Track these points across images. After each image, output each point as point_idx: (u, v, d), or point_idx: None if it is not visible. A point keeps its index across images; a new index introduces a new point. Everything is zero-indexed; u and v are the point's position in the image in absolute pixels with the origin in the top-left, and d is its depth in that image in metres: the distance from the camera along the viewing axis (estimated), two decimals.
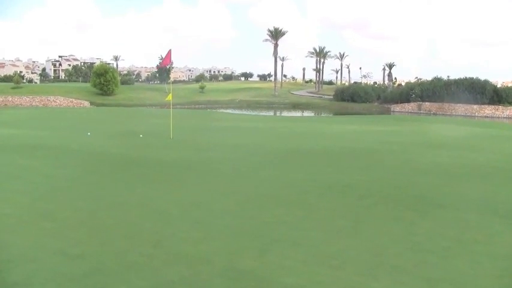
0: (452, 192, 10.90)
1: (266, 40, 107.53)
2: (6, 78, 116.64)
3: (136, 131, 23.31)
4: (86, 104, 72.49)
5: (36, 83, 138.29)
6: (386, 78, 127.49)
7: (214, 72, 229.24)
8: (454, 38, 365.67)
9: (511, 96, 76.17)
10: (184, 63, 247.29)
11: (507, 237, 7.80)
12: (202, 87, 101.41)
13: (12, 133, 22.32)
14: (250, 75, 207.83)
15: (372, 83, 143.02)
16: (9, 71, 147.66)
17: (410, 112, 76.89)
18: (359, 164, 14.72)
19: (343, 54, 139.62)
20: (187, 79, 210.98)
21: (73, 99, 74.20)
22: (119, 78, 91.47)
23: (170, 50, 21.88)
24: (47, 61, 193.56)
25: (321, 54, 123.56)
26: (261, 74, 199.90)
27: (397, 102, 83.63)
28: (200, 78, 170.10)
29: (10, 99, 72.22)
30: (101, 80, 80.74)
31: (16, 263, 6.14)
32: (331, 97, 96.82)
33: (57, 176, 12.18)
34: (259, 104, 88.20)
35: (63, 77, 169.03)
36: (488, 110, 72.74)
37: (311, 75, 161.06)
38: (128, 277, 5.80)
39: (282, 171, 13.12)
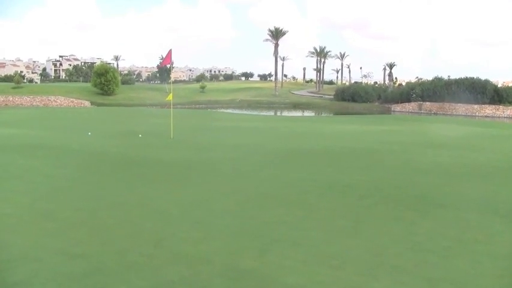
0: (452, 192, 10.90)
1: (266, 40, 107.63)
2: (7, 78, 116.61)
3: (136, 131, 23.32)
4: (87, 103, 72.49)
5: (36, 82, 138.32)
6: (386, 78, 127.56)
7: (214, 72, 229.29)
8: (454, 38, 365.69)
9: None
10: (184, 63, 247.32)
11: (508, 236, 7.80)
12: (202, 87, 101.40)
13: (12, 133, 22.33)
14: (251, 75, 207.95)
15: (372, 82, 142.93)
16: (9, 70, 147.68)
17: (411, 112, 76.86)
18: (359, 163, 14.71)
19: (344, 54, 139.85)
20: (187, 79, 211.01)
21: (73, 99, 74.19)
22: (119, 78, 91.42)
23: (171, 50, 21.88)
24: (47, 61, 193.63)
25: (321, 54, 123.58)
26: (261, 73, 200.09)
27: (397, 102, 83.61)
28: (201, 78, 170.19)
29: (11, 99, 72.22)
30: (101, 79, 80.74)
31: (16, 263, 6.15)
32: (332, 97, 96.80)
33: (57, 175, 12.19)
34: (259, 104, 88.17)
35: (63, 77, 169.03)
36: (488, 109, 72.72)
37: (311, 75, 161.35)
38: (128, 277, 5.80)
39: (282, 171, 13.12)
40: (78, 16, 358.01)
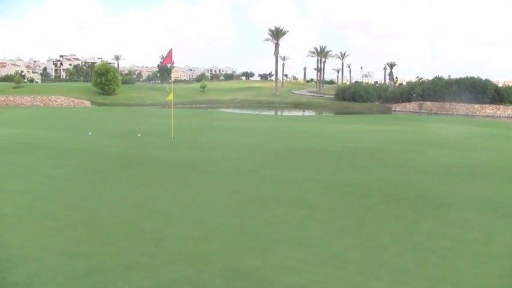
0: (453, 191, 10.89)
1: (267, 40, 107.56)
2: (8, 78, 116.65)
3: (137, 131, 23.30)
4: (87, 103, 72.49)
5: (37, 82, 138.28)
6: (387, 77, 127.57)
7: (215, 71, 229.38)
8: (454, 38, 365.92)
9: None
10: (185, 63, 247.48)
11: (508, 237, 7.79)
12: (203, 87, 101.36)
13: (13, 133, 22.32)
14: (251, 74, 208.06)
15: (373, 82, 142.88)
16: (10, 70, 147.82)
17: (412, 111, 76.82)
18: (360, 163, 14.71)
19: (344, 54, 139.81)
20: (188, 79, 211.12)
21: (74, 99, 74.20)
22: (120, 77, 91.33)
23: (171, 50, 21.87)
24: (48, 61, 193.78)
25: (322, 53, 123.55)
26: (262, 73, 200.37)
27: (398, 102, 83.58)
28: (201, 77, 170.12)
29: (11, 98, 72.23)
30: (102, 79, 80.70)
31: (17, 263, 6.14)
32: (332, 96, 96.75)
33: (58, 175, 12.19)
34: (260, 104, 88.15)
35: (64, 77, 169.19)
36: (489, 109, 72.69)
37: (312, 74, 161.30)
38: (129, 277, 5.80)
39: (283, 171, 13.12)
40: (78, 16, 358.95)
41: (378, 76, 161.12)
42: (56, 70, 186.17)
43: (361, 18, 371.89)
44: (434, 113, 73.41)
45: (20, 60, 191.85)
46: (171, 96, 22.92)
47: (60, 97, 74.63)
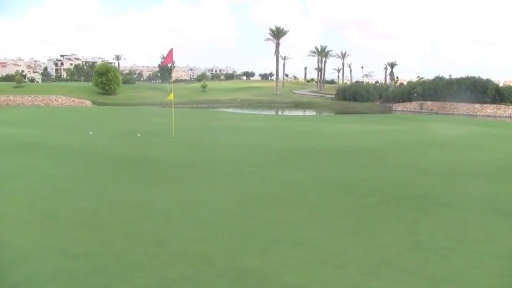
0: (454, 191, 10.89)
1: (268, 39, 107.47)
2: (8, 78, 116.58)
3: (138, 131, 23.32)
4: (88, 103, 72.46)
5: (38, 82, 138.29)
6: (388, 77, 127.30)
7: (216, 71, 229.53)
8: (455, 38, 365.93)
9: None
10: (186, 63, 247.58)
11: (509, 236, 7.79)
12: (203, 87, 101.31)
13: (13, 132, 22.34)
14: (252, 74, 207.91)
15: (373, 82, 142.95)
16: (11, 70, 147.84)
17: (412, 111, 76.73)
18: (361, 163, 14.70)
19: (345, 54, 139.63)
20: (189, 78, 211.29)
21: (75, 99, 74.15)
22: (120, 77, 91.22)
23: (172, 49, 21.88)
24: (48, 60, 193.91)
25: (322, 53, 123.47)
26: (262, 73, 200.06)
27: (398, 102, 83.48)
28: (202, 77, 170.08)
29: (12, 98, 72.19)
30: (102, 79, 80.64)
31: (18, 263, 6.15)
32: (333, 96, 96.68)
33: (58, 175, 12.19)
34: (260, 103, 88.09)
35: (65, 76, 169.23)
36: (490, 109, 72.60)
37: (313, 74, 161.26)
38: (129, 276, 5.80)
39: (283, 171, 13.11)
40: (78, 16, 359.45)
41: (378, 76, 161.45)
42: (56, 70, 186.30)
43: (361, 18, 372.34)
44: (435, 113, 73.33)
45: (20, 60, 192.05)
46: (171, 96, 22.94)
47: (60, 97, 74.58)
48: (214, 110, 67.93)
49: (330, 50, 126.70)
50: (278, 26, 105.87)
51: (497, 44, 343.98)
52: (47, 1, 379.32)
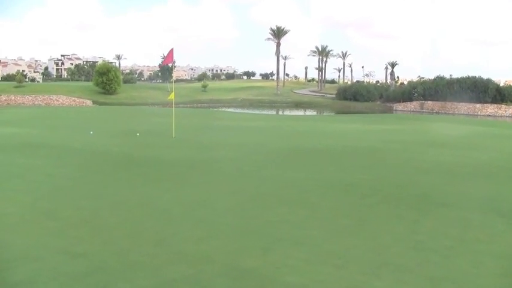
0: (454, 191, 10.88)
1: (268, 39, 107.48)
2: (9, 77, 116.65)
3: (138, 130, 23.32)
4: (89, 103, 72.49)
5: (38, 82, 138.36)
6: (388, 77, 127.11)
7: (216, 71, 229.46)
8: (455, 37, 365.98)
9: None
10: (186, 62, 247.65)
11: (510, 236, 7.78)
12: (204, 86, 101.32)
13: (14, 132, 22.35)
14: (253, 74, 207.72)
15: (374, 81, 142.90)
16: (11, 70, 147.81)
17: (413, 111, 76.70)
18: (361, 162, 14.70)
19: (346, 53, 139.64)
20: (189, 78, 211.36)
21: (75, 98, 74.19)
22: (121, 77, 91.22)
23: (172, 49, 21.88)
24: (49, 60, 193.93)
25: (323, 53, 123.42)
26: (263, 72, 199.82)
27: (399, 101, 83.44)
28: (202, 77, 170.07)
29: (13, 98, 72.24)
30: (103, 79, 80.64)
31: (18, 262, 6.15)
32: (334, 96, 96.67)
33: (59, 175, 12.20)
34: (261, 103, 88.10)
35: (65, 76, 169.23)
36: (490, 108, 72.55)
37: (313, 74, 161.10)
38: (130, 276, 5.80)
39: (284, 170, 13.11)
40: (78, 16, 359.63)
41: (379, 75, 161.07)
42: (57, 69, 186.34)
43: (362, 17, 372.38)
44: (436, 113, 73.29)
45: (21, 59, 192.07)
46: (172, 96, 22.93)
47: (61, 96, 74.63)
48: (215, 109, 67.95)
49: (331, 50, 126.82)
50: (279, 25, 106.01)
51: (497, 44, 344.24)
52: (47, 1, 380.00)
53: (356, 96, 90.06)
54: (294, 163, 14.54)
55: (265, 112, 65.01)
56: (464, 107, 73.23)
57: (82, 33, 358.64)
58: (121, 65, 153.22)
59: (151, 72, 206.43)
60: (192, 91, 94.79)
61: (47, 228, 7.61)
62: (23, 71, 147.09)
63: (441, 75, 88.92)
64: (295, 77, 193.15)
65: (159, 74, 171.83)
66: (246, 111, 67.06)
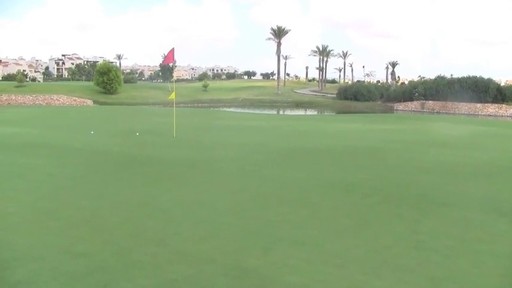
0: (455, 191, 10.87)
1: (269, 39, 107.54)
2: (10, 77, 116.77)
3: (139, 130, 23.32)
4: (89, 102, 72.55)
5: (39, 81, 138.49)
6: (389, 76, 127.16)
7: (217, 70, 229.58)
8: (455, 37, 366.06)
9: None
10: (187, 62, 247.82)
11: (510, 236, 7.78)
12: (205, 86, 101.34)
13: (15, 132, 22.36)
14: (253, 73, 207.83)
15: (375, 81, 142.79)
16: (12, 69, 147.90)
17: (414, 111, 76.68)
18: (362, 162, 14.69)
19: (346, 53, 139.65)
20: (190, 78, 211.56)
21: (76, 98, 74.26)
22: (122, 76, 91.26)
23: (173, 49, 21.87)
24: (50, 60, 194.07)
25: (324, 52, 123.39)
26: (264, 72, 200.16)
27: (400, 101, 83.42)
28: (203, 76, 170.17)
29: (13, 97, 72.31)
30: (104, 78, 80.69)
31: (19, 262, 6.15)
32: (334, 96, 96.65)
33: (60, 174, 12.20)
34: (262, 103, 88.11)
35: (66, 76, 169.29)
36: (491, 108, 72.50)
37: (314, 73, 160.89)
38: (131, 275, 5.80)
39: (285, 170, 13.11)
40: (78, 16, 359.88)
41: (380, 75, 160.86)
42: (58, 69, 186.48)
43: (362, 17, 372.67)
44: (437, 112, 73.26)
45: (22, 59, 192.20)
46: (173, 95, 22.95)
47: (62, 96, 74.69)
48: (216, 109, 67.99)
49: (331, 50, 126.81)
50: (279, 25, 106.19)
51: (497, 44, 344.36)
52: (47, 1, 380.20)
53: (357, 96, 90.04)
54: (294, 163, 14.54)
55: (266, 112, 65.02)
56: (465, 107, 73.19)
57: (82, 33, 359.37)
58: (122, 65, 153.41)
59: (152, 72, 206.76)
60: (192, 91, 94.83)
61: (48, 228, 7.61)
62: (24, 70, 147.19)
63: (442, 75, 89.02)
64: (296, 76, 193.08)
65: (160, 73, 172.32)
66: (246, 110, 67.08)
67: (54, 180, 11.45)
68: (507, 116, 68.44)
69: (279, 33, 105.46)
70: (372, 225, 8.17)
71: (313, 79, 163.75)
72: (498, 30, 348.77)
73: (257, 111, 63.73)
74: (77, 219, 8.11)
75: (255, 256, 6.53)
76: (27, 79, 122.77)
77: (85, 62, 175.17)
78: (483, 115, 69.30)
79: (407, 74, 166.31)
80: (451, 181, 12.01)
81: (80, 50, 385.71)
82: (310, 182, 11.56)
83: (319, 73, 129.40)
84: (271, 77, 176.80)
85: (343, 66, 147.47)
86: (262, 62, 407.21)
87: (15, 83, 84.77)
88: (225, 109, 69.97)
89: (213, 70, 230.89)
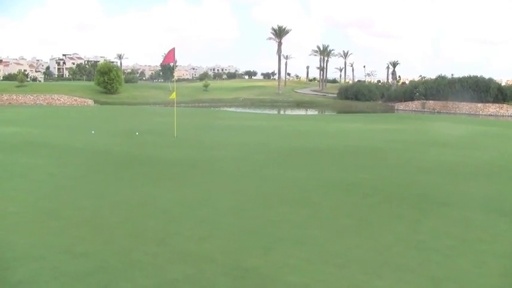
0: (456, 190, 10.87)
1: (270, 38, 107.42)
2: (11, 77, 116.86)
3: (140, 130, 23.32)
4: (90, 102, 72.55)
5: (40, 81, 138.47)
6: (390, 76, 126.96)
7: (218, 70, 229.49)
8: (456, 37, 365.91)
9: None
10: (188, 62, 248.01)
11: (511, 236, 7.77)
12: (206, 86, 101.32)
13: (16, 131, 22.38)
14: (254, 73, 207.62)
15: (375, 81, 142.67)
16: (13, 69, 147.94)
17: (414, 110, 76.66)
18: (363, 162, 14.69)
19: (347, 53, 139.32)
20: (191, 77, 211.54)
21: (77, 98, 74.25)
22: (122, 76, 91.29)
23: (174, 48, 21.87)
24: (51, 59, 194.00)
25: (324, 52, 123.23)
26: (264, 72, 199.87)
27: (401, 101, 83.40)
28: (204, 76, 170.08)
29: (14, 97, 72.30)
30: (104, 78, 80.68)
31: (20, 262, 6.15)
32: (335, 95, 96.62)
33: (61, 174, 12.20)
34: (263, 103, 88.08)
35: (67, 76, 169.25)
36: (492, 108, 72.46)
37: (315, 73, 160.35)
38: (131, 275, 5.80)
39: (285, 170, 13.11)
40: (78, 16, 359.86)
41: (380, 75, 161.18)
42: (59, 69, 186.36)
43: (363, 17, 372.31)
44: (437, 112, 73.22)
45: (23, 59, 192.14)
46: (174, 95, 22.96)
47: (63, 96, 74.69)
48: (217, 109, 67.99)
49: (332, 49, 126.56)
50: (280, 25, 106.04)
51: (497, 44, 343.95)
52: (47, 1, 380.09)
53: (357, 96, 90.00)
54: (295, 163, 14.54)
55: (267, 112, 65.00)
56: (465, 107, 73.15)
57: (82, 33, 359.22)
58: (122, 65, 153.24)
59: (153, 72, 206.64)
60: (193, 90, 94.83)
61: (49, 228, 7.61)
62: (25, 70, 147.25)
63: (443, 74, 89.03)
64: (297, 76, 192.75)
65: (161, 73, 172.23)
66: (247, 110, 67.09)
67: (55, 180, 11.45)
68: (508, 116, 68.42)
69: (279, 32, 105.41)
70: (372, 225, 8.17)
71: (314, 79, 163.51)
72: (499, 29, 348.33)
73: (258, 111, 63.73)
74: (77, 219, 8.12)
75: (256, 256, 6.53)
76: (28, 79, 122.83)
77: (86, 62, 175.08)
78: (484, 115, 69.26)
79: (408, 74, 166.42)
80: (452, 181, 12.01)
81: (81, 50, 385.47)
82: (311, 181, 11.56)
83: (320, 73, 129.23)
84: (272, 77, 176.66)
85: (343, 66, 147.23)
86: (263, 61, 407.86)
87: (16, 82, 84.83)
88: (225, 109, 69.98)
89: (213, 70, 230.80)
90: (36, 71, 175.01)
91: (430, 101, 78.70)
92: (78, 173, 12.46)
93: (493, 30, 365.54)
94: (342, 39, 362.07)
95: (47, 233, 7.34)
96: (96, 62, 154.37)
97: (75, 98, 74.15)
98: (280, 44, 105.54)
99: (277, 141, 20.42)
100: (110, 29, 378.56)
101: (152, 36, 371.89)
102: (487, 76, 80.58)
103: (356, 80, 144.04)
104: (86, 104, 70.54)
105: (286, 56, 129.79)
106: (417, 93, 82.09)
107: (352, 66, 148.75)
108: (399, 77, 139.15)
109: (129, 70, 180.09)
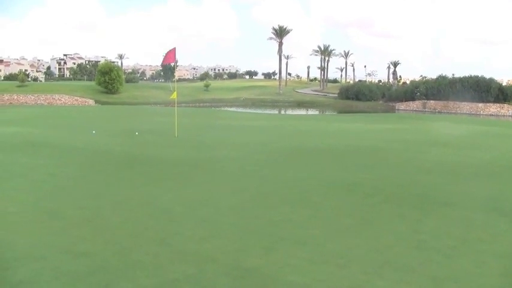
0: (457, 190, 10.86)
1: (271, 38, 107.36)
2: (12, 77, 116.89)
3: (140, 130, 23.32)
4: (91, 102, 72.57)
5: (41, 81, 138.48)
6: (391, 76, 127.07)
7: (218, 70, 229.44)
8: (456, 37, 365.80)
9: None
10: (188, 62, 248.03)
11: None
12: (207, 86, 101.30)
13: (17, 131, 22.38)
14: (255, 73, 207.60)
15: (376, 81, 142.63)
16: (14, 69, 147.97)
17: (415, 110, 76.60)
18: (364, 162, 14.68)
19: (348, 53, 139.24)
20: (191, 77, 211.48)
21: (78, 98, 74.28)
22: (123, 76, 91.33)
23: (174, 48, 21.85)
24: (51, 59, 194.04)
25: (325, 52, 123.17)
26: (265, 72, 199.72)
27: (401, 101, 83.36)
28: (205, 76, 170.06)
29: (15, 97, 72.33)
30: (105, 78, 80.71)
31: (21, 262, 6.15)
32: (336, 95, 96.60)
33: (61, 174, 12.21)
34: (263, 102, 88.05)
35: (68, 76, 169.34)
36: (493, 108, 72.40)
37: (315, 73, 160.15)
38: (132, 275, 5.80)
39: (286, 170, 13.10)
40: (78, 16, 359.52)
41: (381, 75, 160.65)
42: (59, 69, 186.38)
43: (364, 17, 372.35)
44: (438, 112, 73.15)
45: (24, 59, 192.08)
46: (174, 95, 22.95)
47: (64, 96, 74.71)
48: (217, 109, 67.98)
49: (333, 49, 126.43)
50: (281, 25, 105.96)
51: (498, 44, 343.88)
52: (47, 1, 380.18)
53: (358, 96, 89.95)
54: (296, 162, 14.53)
55: (268, 111, 64.98)
56: (466, 107, 73.10)
57: (83, 33, 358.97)
58: (123, 65, 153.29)
59: (154, 72, 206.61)
60: (194, 90, 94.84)
61: (49, 228, 7.62)
62: (26, 70, 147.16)
63: (443, 74, 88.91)
64: (298, 76, 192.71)
65: (162, 73, 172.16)
66: (248, 110, 67.05)
67: (56, 179, 11.46)
68: (509, 116, 68.37)
69: (280, 32, 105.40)
70: (373, 224, 8.17)
71: (315, 79, 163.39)
72: (499, 29, 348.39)
73: (259, 111, 63.71)
74: (78, 219, 8.12)
75: (257, 256, 6.53)
76: (29, 79, 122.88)
77: (87, 62, 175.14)
78: (485, 115, 69.21)
79: (408, 74, 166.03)
80: (453, 181, 12.00)
81: (81, 50, 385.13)
82: (312, 181, 11.55)
83: (321, 73, 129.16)
84: (272, 77, 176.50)
85: (344, 66, 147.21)
86: (264, 61, 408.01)
87: (17, 82, 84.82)
88: (226, 109, 69.96)
89: (214, 70, 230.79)
90: (37, 71, 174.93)
91: (431, 101, 78.64)
92: (78, 173, 12.46)
93: (493, 30, 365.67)
94: (342, 39, 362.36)
95: (47, 233, 7.34)
96: (97, 62, 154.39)
97: (76, 98, 74.18)
98: (280, 44, 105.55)
99: (278, 141, 20.41)
100: (111, 29, 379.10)
101: (153, 36, 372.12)
102: (487, 76, 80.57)
103: (357, 80, 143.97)
104: (86, 104, 70.57)
105: (287, 56, 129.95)
106: (418, 93, 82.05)
107: (352, 66, 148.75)
108: (400, 77, 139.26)
109: (130, 70, 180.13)
